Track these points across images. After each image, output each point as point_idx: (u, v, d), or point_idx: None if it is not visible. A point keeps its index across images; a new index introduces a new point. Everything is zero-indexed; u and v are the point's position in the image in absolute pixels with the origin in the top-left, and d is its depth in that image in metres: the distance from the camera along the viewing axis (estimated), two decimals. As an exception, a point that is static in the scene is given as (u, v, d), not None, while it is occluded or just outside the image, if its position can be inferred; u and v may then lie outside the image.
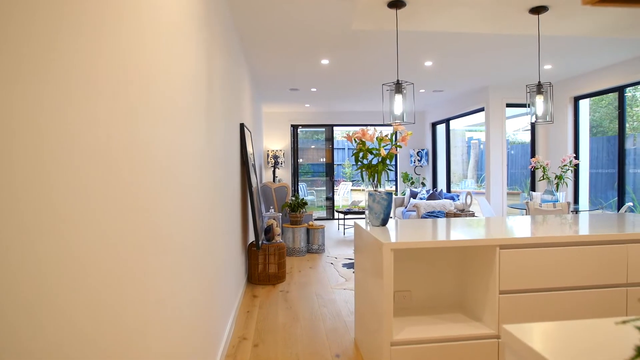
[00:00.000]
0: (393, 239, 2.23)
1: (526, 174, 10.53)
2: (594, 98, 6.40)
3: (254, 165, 5.08)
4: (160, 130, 1.42)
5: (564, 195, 5.67)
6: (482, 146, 13.73)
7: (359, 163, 2.80)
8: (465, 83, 6.50)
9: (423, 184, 9.25)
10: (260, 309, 3.69)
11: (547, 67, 5.41)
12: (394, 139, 2.80)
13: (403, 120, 2.85)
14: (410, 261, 2.67)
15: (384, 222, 2.76)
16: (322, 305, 3.82)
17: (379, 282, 2.18)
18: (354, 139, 2.75)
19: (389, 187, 13.09)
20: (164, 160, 1.46)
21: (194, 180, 1.96)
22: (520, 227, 2.57)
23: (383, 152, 2.66)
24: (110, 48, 1.00)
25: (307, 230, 6.08)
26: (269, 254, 4.52)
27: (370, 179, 2.76)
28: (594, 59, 5.10)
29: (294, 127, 9.74)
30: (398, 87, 2.82)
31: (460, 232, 2.48)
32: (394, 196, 9.17)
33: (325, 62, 5.10)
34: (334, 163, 10.15)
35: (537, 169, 5.28)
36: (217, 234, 2.67)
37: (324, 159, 10.18)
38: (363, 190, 14.45)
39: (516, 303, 2.17)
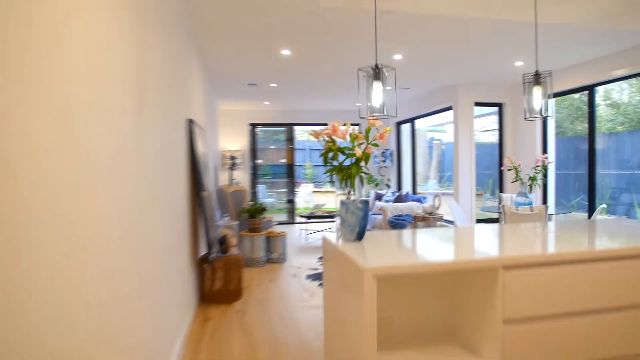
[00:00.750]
0: (375, 261, 1.77)
1: (489, 174, 10.52)
2: (557, 98, 6.31)
3: (207, 167, 4.50)
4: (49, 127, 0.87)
5: (534, 197, 5.48)
6: (444, 147, 13.73)
7: (329, 165, 2.33)
8: (434, 80, 6.21)
9: (388, 186, 8.95)
10: (212, 337, 3.13)
11: (519, 63, 5.21)
12: (369, 136, 2.36)
13: (383, 113, 2.41)
14: (392, 280, 2.22)
15: (359, 237, 2.30)
16: (284, 327, 3.32)
17: (357, 313, 1.71)
18: (323, 137, 2.28)
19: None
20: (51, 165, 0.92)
21: (110, 188, 1.41)
22: (520, 239, 2.20)
23: (358, 152, 2.20)
24: None
25: (267, 238, 5.55)
26: (223, 268, 3.96)
27: (342, 184, 2.30)
28: (565, 56, 4.93)
29: (253, 126, 9.16)
30: (377, 74, 2.38)
31: (450, 246, 2.07)
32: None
33: (286, 52, 4.60)
34: (295, 164, 9.66)
35: (510, 169, 5.05)
36: (154, 250, 2.11)
37: (285, 160, 9.66)
38: (325, 192, 14.04)
39: (524, 333, 1.77)
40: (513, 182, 5.01)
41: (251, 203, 5.47)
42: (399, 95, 7.31)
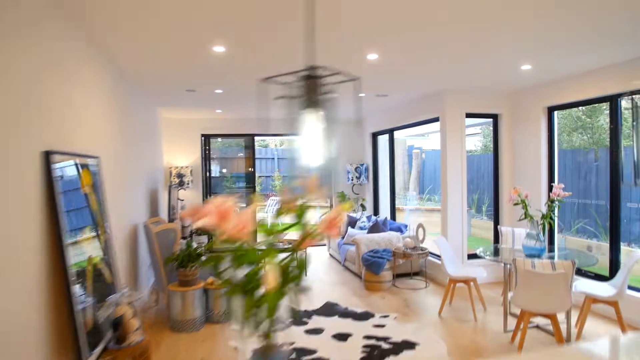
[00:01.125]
0: None
1: (474, 188, 9.47)
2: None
3: (103, 205, 3.20)
4: None
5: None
6: (424, 155, 12.67)
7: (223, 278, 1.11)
8: (417, 86, 5.06)
9: (363, 207, 7.76)
10: None
11: (526, 67, 4.09)
12: (303, 211, 1.18)
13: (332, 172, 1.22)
14: None
15: None
16: None
17: None
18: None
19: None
20: None
21: None
22: None
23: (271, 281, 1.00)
24: None
25: (205, 291, 4.25)
26: None
27: (246, 323, 1.11)
28: (581, 58, 3.84)
29: (206, 138, 7.81)
30: (312, 86, 1.18)
31: None
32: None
33: (219, 49, 3.33)
34: (257, 176, 8.37)
35: (517, 204, 3.93)
36: None
37: (246, 170, 8.36)
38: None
39: None
40: (520, 219, 3.88)
41: (183, 246, 4.16)
42: (376, 102, 6.14)
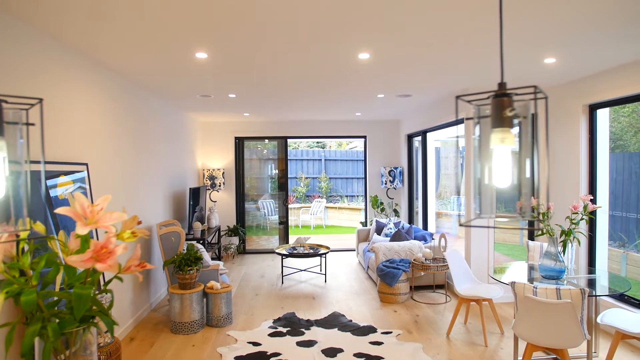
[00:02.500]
0: None
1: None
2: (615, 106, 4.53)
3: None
4: None
5: (572, 254, 3.82)
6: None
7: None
8: (436, 86, 4.67)
9: (396, 212, 7.40)
10: None
11: (550, 60, 3.57)
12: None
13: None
14: None
15: None
16: None
17: None
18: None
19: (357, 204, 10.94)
20: None
21: None
22: None
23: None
24: None
25: (205, 295, 4.28)
26: None
27: None
28: (622, 48, 3.25)
29: (239, 140, 7.95)
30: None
31: None
32: (359, 228, 7.31)
33: (201, 55, 3.30)
34: (289, 176, 8.36)
35: (535, 217, 3.44)
36: None
37: (279, 171, 8.38)
38: (338, 208, 12.59)
39: None
40: (537, 235, 3.39)
41: (184, 250, 4.23)
42: (408, 102, 5.77)
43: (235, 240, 7.51)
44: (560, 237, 3.32)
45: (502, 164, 1.24)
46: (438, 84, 4.60)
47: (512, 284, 2.84)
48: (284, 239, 8.22)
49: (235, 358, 3.54)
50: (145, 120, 4.79)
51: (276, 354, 3.59)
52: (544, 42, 3.10)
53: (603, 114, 4.31)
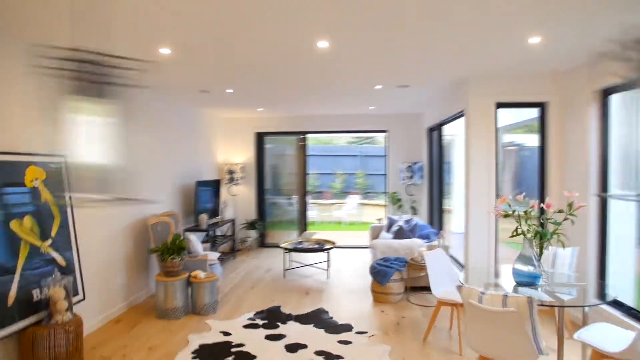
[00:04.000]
0: None
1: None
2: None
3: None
4: None
5: (572, 258, 3.40)
6: (527, 153, 10.91)
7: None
8: (435, 74, 4.37)
9: (413, 209, 7.08)
10: None
11: (534, 40, 3.18)
12: None
13: None
14: None
15: None
16: None
17: None
18: None
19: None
20: None
21: None
22: None
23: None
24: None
25: (190, 283, 4.41)
26: (50, 344, 2.97)
27: None
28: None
29: (260, 135, 8.08)
30: None
31: None
32: (375, 224, 7.06)
33: (165, 51, 3.39)
34: (307, 173, 8.35)
35: (508, 215, 3.09)
36: None
37: (297, 167, 8.38)
38: (375, 205, 12.32)
39: None
40: (512, 236, 3.05)
41: (174, 237, 4.38)
42: (426, 94, 5.43)
43: (252, 234, 7.66)
44: (535, 239, 2.96)
45: None
46: (434, 72, 4.30)
47: (458, 287, 2.59)
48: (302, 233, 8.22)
49: (200, 345, 3.61)
50: (153, 117, 5.03)
51: (240, 345, 3.61)
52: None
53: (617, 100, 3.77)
